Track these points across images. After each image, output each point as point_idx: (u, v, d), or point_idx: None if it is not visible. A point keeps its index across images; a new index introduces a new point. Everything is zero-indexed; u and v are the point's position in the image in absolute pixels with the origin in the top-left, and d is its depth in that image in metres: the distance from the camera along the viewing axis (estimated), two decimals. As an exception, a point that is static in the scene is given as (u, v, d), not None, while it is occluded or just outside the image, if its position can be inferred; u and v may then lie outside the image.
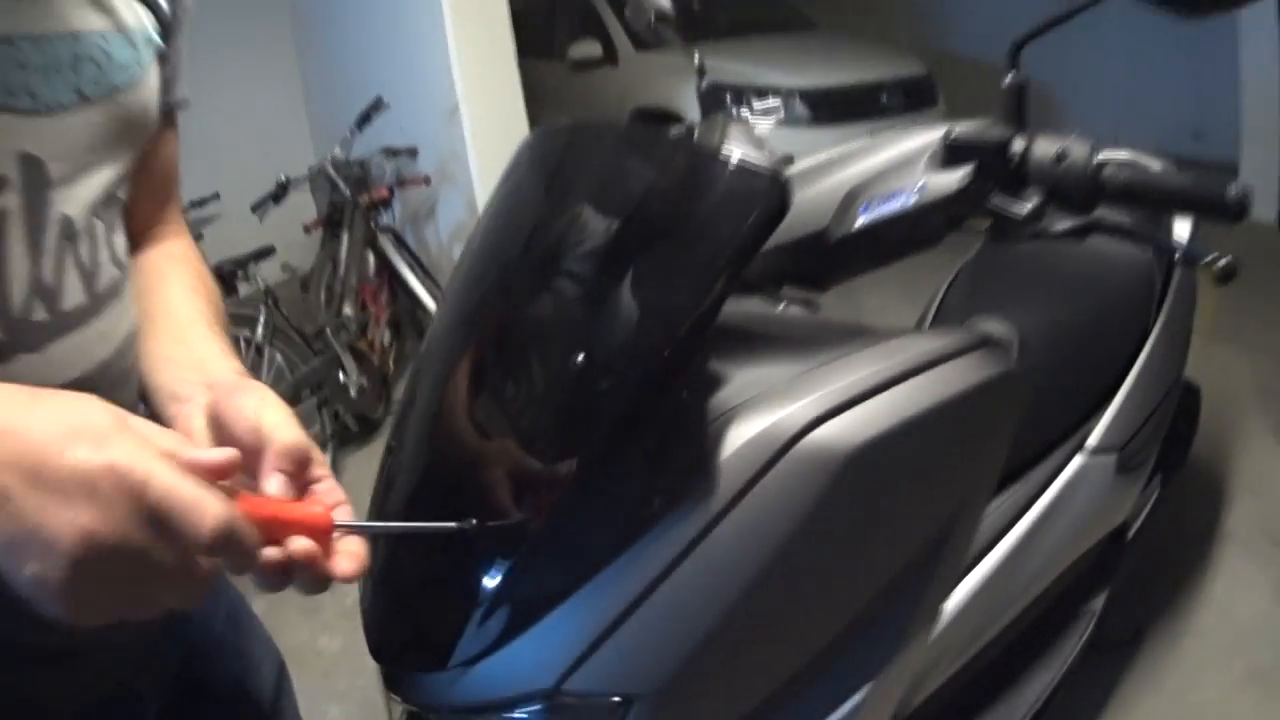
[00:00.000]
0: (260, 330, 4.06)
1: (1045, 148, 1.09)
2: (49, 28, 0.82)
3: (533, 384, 1.05)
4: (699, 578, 0.94)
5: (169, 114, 1.06)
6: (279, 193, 4.60)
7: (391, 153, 5.17)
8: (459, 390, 1.07)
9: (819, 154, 1.27)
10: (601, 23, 7.28)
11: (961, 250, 2.44)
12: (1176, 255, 1.09)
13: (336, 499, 0.76)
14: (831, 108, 6.02)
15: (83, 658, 0.98)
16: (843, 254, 1.19)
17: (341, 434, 4.21)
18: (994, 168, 1.09)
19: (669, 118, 6.27)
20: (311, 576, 0.70)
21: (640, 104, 6.52)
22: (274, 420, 0.76)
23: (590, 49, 7.23)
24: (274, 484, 0.72)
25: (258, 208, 4.53)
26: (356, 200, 4.66)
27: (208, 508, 0.61)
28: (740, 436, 0.96)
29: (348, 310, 4.45)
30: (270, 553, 0.67)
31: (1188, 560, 2.82)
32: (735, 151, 1.02)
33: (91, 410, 0.63)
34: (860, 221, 1.15)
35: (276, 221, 4.63)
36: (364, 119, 4.83)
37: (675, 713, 0.95)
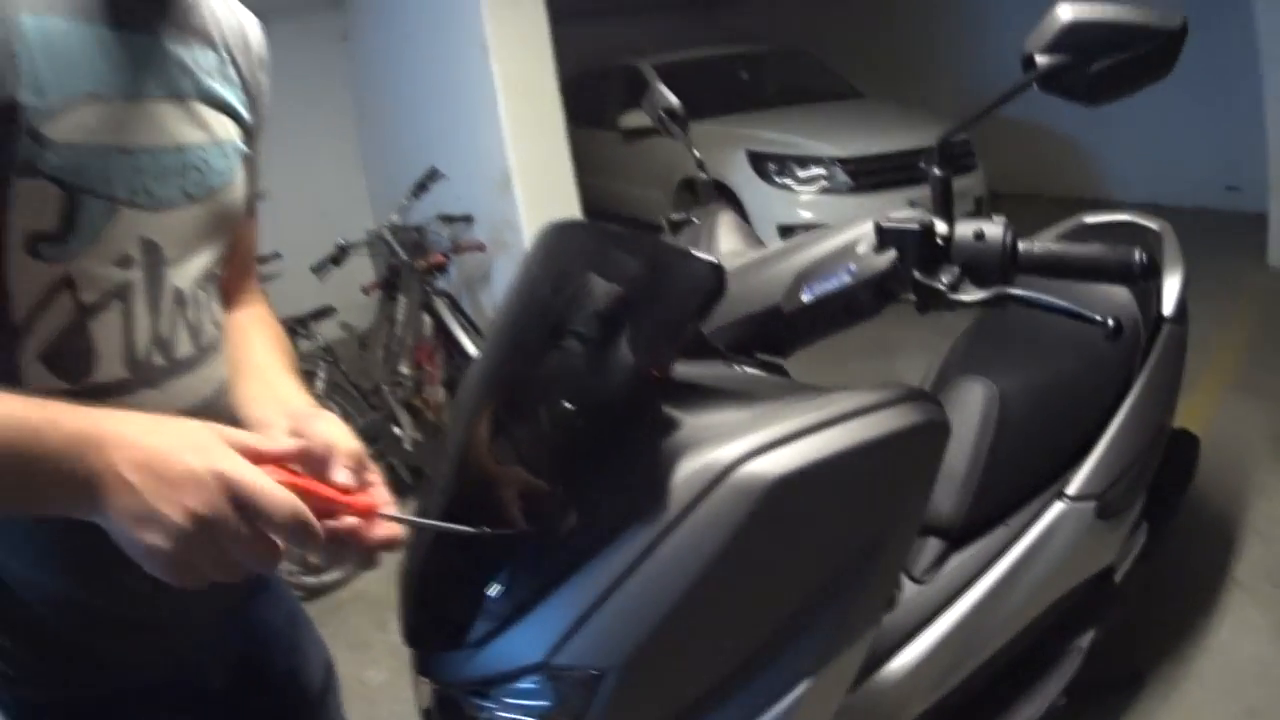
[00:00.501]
0: (320, 384, 4.31)
1: (965, 229, 1.29)
2: (160, 142, 1.06)
3: (535, 426, 1.30)
4: (651, 579, 1.18)
5: (249, 204, 1.30)
6: (338, 255, 4.81)
7: (447, 219, 5.38)
8: (478, 430, 1.33)
9: (776, 245, 1.49)
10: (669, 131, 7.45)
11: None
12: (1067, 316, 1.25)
13: (385, 498, 0.99)
14: (871, 175, 6.21)
15: (161, 632, 1.23)
16: (794, 324, 1.40)
17: (397, 485, 4.38)
18: (916, 249, 1.28)
19: (717, 186, 6.43)
20: (359, 550, 0.94)
21: (689, 174, 6.71)
22: (339, 435, 1.01)
23: (641, 119, 7.31)
24: (341, 475, 0.96)
25: (318, 269, 4.74)
26: (413, 265, 4.81)
27: (281, 497, 0.84)
28: (687, 468, 1.20)
29: (404, 369, 4.65)
30: (326, 526, 0.89)
31: (1190, 604, 2.92)
32: (688, 246, 1.25)
33: (200, 429, 0.87)
34: (805, 298, 1.35)
35: (335, 282, 4.84)
36: (420, 187, 5.03)
37: (638, 683, 1.19)
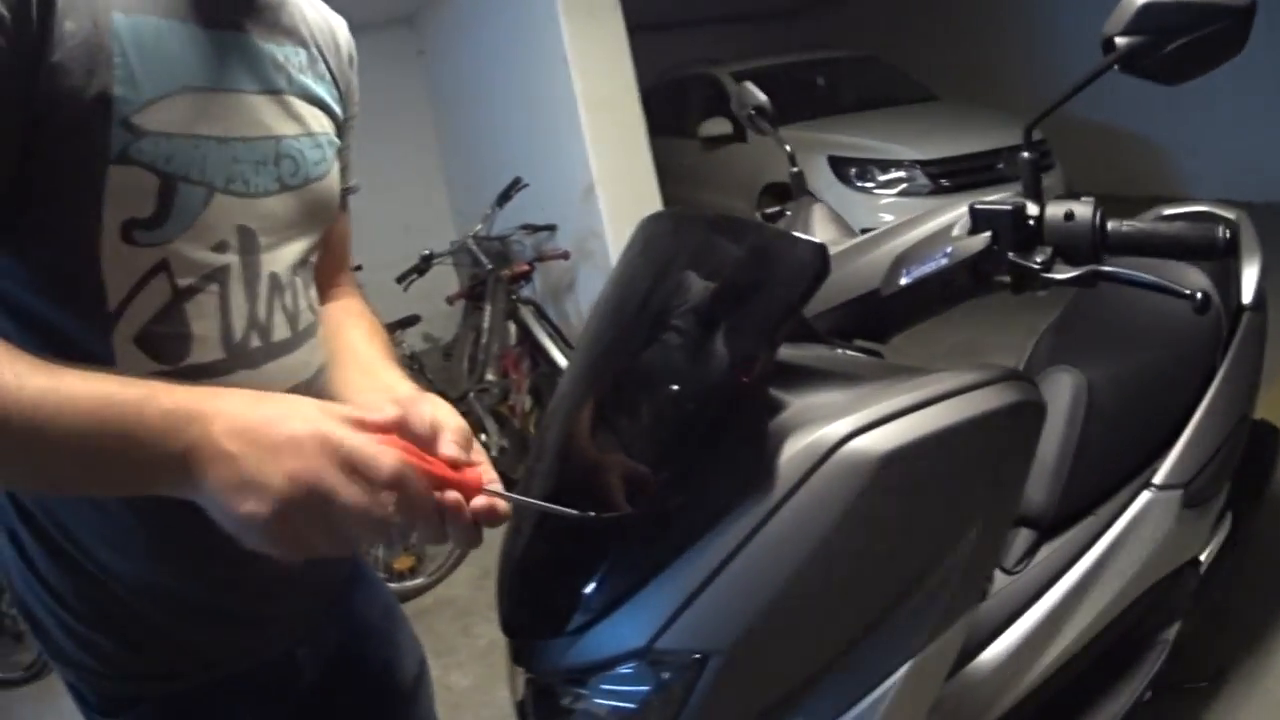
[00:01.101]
0: None
1: (1055, 210, 1.32)
2: (255, 133, 1.09)
3: (639, 412, 1.36)
4: (759, 560, 1.20)
5: (343, 197, 1.35)
6: (423, 265, 4.93)
7: (531, 229, 5.48)
8: (584, 416, 1.38)
9: (876, 230, 1.53)
10: (729, 101, 7.51)
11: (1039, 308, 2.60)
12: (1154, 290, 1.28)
13: (490, 476, 0.96)
14: (950, 177, 6.24)
15: (256, 623, 1.24)
16: (892, 308, 1.45)
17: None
18: (1010, 231, 1.32)
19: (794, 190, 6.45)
20: (461, 525, 0.91)
21: (770, 179, 6.80)
22: (446, 415, 0.99)
23: (720, 127, 7.53)
24: (450, 448, 0.94)
25: (403, 279, 4.85)
26: (498, 274, 4.90)
27: (385, 456, 0.84)
28: (793, 447, 1.23)
29: (490, 376, 4.71)
30: (450, 497, 0.89)
31: (1273, 600, 2.88)
32: (791, 230, 1.30)
33: (302, 401, 0.88)
34: (903, 280, 1.40)
35: (417, 294, 4.93)
36: (504, 197, 5.13)
37: (743, 666, 1.21)
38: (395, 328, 4.68)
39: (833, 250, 1.51)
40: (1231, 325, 2.38)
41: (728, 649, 1.20)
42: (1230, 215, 2.58)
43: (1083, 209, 1.31)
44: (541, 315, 5.03)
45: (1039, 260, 1.30)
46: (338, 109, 1.26)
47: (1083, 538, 2.01)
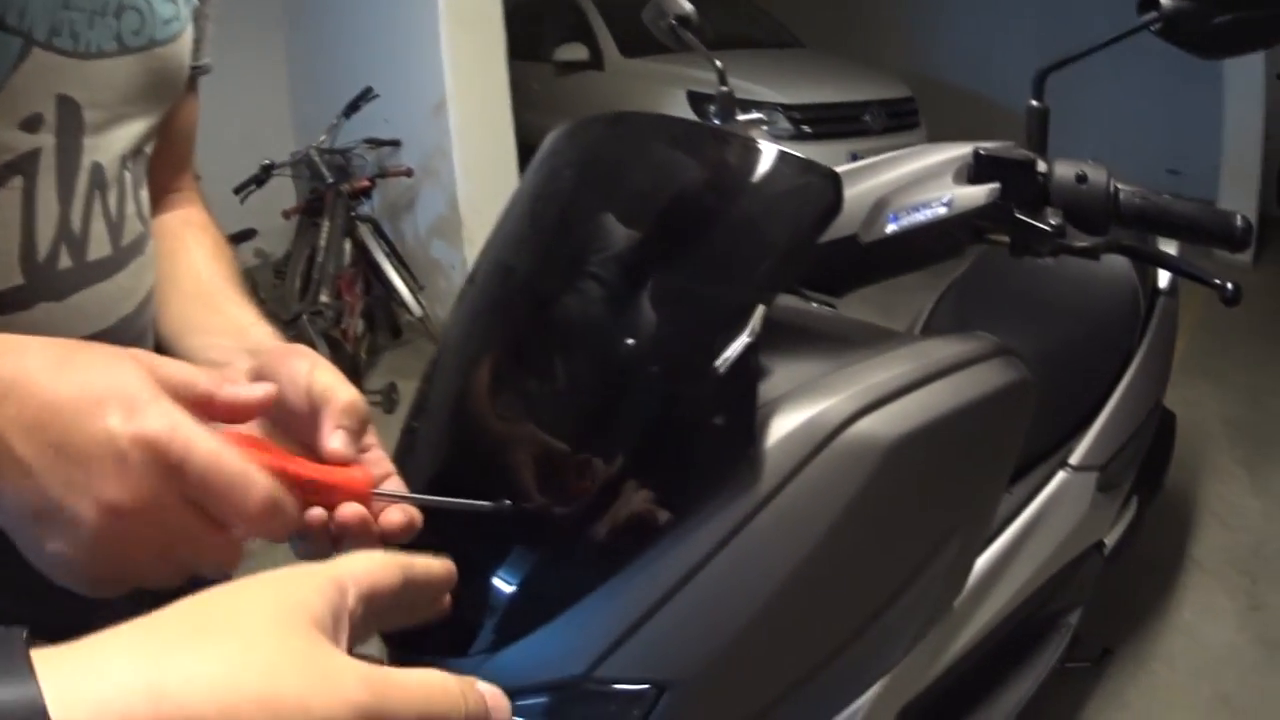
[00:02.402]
0: None
1: (1066, 170, 1.15)
2: None
3: (574, 374, 1.08)
4: (739, 566, 0.96)
5: (193, 79, 1.05)
6: (262, 176, 4.64)
7: (375, 143, 5.20)
8: (493, 376, 1.09)
9: (848, 164, 1.33)
10: (590, 27, 7.32)
11: (943, 271, 2.51)
12: (1186, 276, 1.16)
13: (384, 470, 0.73)
14: (815, 124, 6.10)
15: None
16: (870, 260, 1.25)
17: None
18: (1018, 185, 1.15)
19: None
20: (361, 542, 0.68)
21: (624, 107, 6.54)
22: (330, 381, 0.72)
23: (577, 52, 7.28)
24: (337, 440, 0.68)
25: (240, 190, 4.55)
26: (338, 189, 4.67)
27: (253, 484, 0.57)
28: (783, 428, 1.00)
29: (324, 298, 4.44)
30: (315, 514, 0.65)
31: (1157, 585, 2.89)
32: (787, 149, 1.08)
33: (125, 372, 0.58)
34: (890, 228, 1.20)
35: (254, 206, 4.64)
36: (353, 107, 4.90)
37: (707, 699, 0.98)
38: (230, 242, 4.28)
39: None
40: (1149, 308, 2.30)
41: (691, 679, 0.96)
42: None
43: (1096, 172, 1.15)
44: (380, 234, 4.85)
45: (1053, 223, 1.13)
46: None
47: (1000, 514, 1.88)
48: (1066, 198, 1.15)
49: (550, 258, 1.17)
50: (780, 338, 1.13)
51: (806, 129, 6.08)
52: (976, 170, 1.17)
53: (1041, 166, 1.16)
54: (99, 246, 0.85)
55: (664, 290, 1.04)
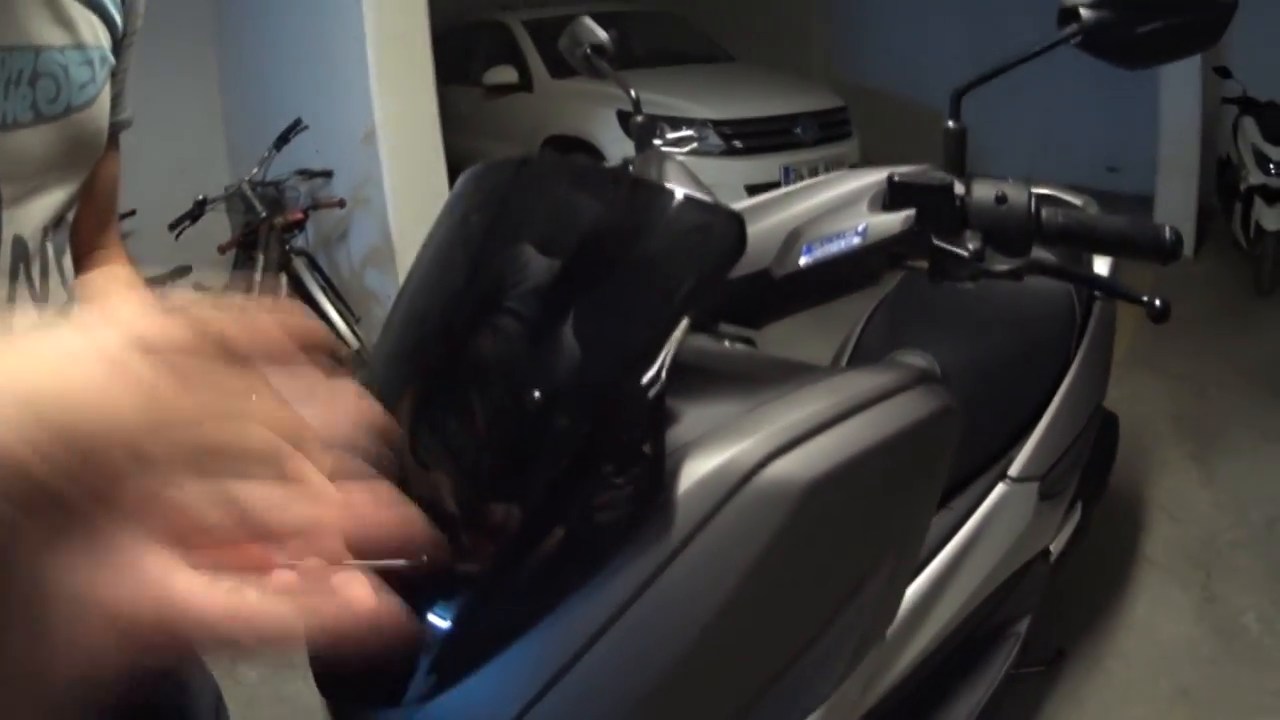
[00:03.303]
0: None
1: (985, 191, 1.12)
2: (12, 39, 0.78)
3: (486, 420, 1.05)
4: (657, 613, 0.94)
5: (114, 136, 1.04)
6: (196, 211, 4.58)
7: (307, 174, 5.15)
8: (409, 424, 1.06)
9: (760, 195, 1.29)
10: (519, 49, 7.31)
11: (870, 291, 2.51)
12: (1111, 295, 1.14)
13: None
14: (746, 138, 6.07)
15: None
16: (784, 292, 1.21)
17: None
18: (935, 210, 1.12)
19: (582, 146, 6.30)
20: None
21: (554, 131, 6.56)
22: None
23: (506, 75, 7.26)
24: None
25: (175, 226, 4.49)
26: (272, 222, 4.61)
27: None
28: (694, 473, 0.97)
29: (260, 332, 4.34)
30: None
31: (1109, 583, 2.89)
32: (687, 190, 1.05)
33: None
34: (803, 261, 1.17)
35: (190, 241, 4.59)
36: (282, 139, 4.85)
37: None
38: (166, 279, 4.45)
39: None
40: (1084, 315, 2.29)
41: None
42: (1077, 200, 2.50)
43: (1016, 192, 1.12)
44: (314, 266, 4.79)
45: (971, 248, 1.10)
46: (118, 18, 0.95)
47: (937, 532, 1.86)
48: (986, 220, 1.12)
49: (459, 304, 1.14)
50: (692, 380, 1.10)
51: (738, 144, 6.04)
52: (891, 196, 1.14)
53: (959, 189, 1.13)
54: (24, 319, 0.81)
55: (569, 335, 1.02)
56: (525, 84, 7.16)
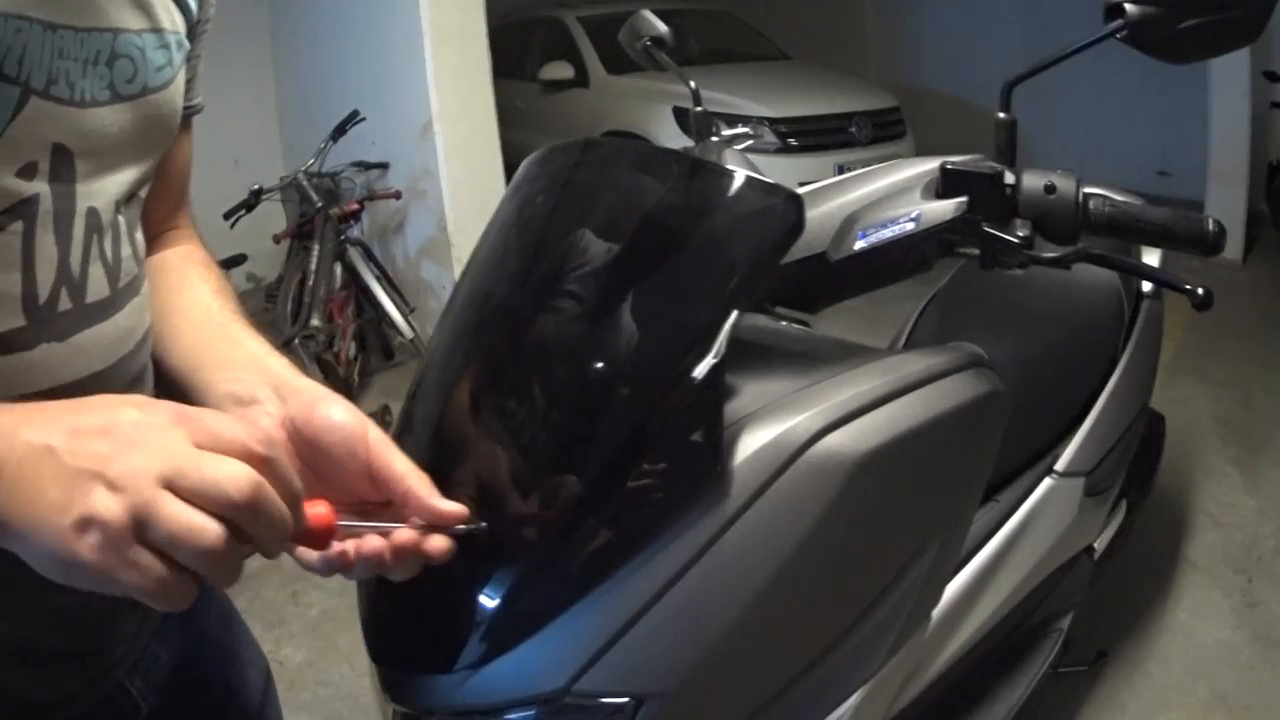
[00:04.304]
0: None
1: (1034, 181, 1.15)
2: (91, 22, 0.81)
3: (548, 395, 1.08)
4: (711, 581, 0.97)
5: (188, 120, 1.06)
6: (252, 201, 4.62)
7: (363, 166, 5.21)
8: (471, 398, 1.10)
9: (817, 183, 1.33)
10: (575, 45, 7.34)
11: (929, 281, 2.52)
12: (1156, 284, 1.16)
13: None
14: (801, 136, 6.08)
15: (78, 659, 0.97)
16: (840, 276, 1.25)
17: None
18: (986, 198, 1.15)
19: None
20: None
21: (610, 127, 6.57)
22: (381, 437, 0.79)
23: (562, 70, 7.28)
24: (450, 505, 0.78)
25: (230, 215, 4.53)
26: (328, 212, 4.65)
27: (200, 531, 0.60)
28: (750, 445, 1.00)
29: (315, 322, 4.38)
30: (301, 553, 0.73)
31: (1151, 586, 2.87)
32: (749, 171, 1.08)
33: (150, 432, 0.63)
34: (858, 245, 1.20)
35: (244, 231, 4.63)
36: (339, 131, 4.88)
37: (685, 711, 0.99)
38: (221, 267, 4.30)
39: None
40: (1133, 312, 2.29)
41: (669, 691, 0.97)
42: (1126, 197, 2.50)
43: (1064, 182, 1.15)
44: (369, 257, 4.83)
45: (1021, 235, 1.13)
46: (193, 4, 0.97)
47: (983, 525, 1.87)
48: (1035, 209, 1.15)
49: (523, 283, 1.18)
50: (749, 357, 1.13)
51: (793, 142, 6.05)
52: (944, 185, 1.18)
53: (1009, 178, 1.16)
54: (97, 289, 0.85)
55: (631, 313, 1.05)
56: (581, 80, 7.18)
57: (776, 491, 0.99)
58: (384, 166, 5.25)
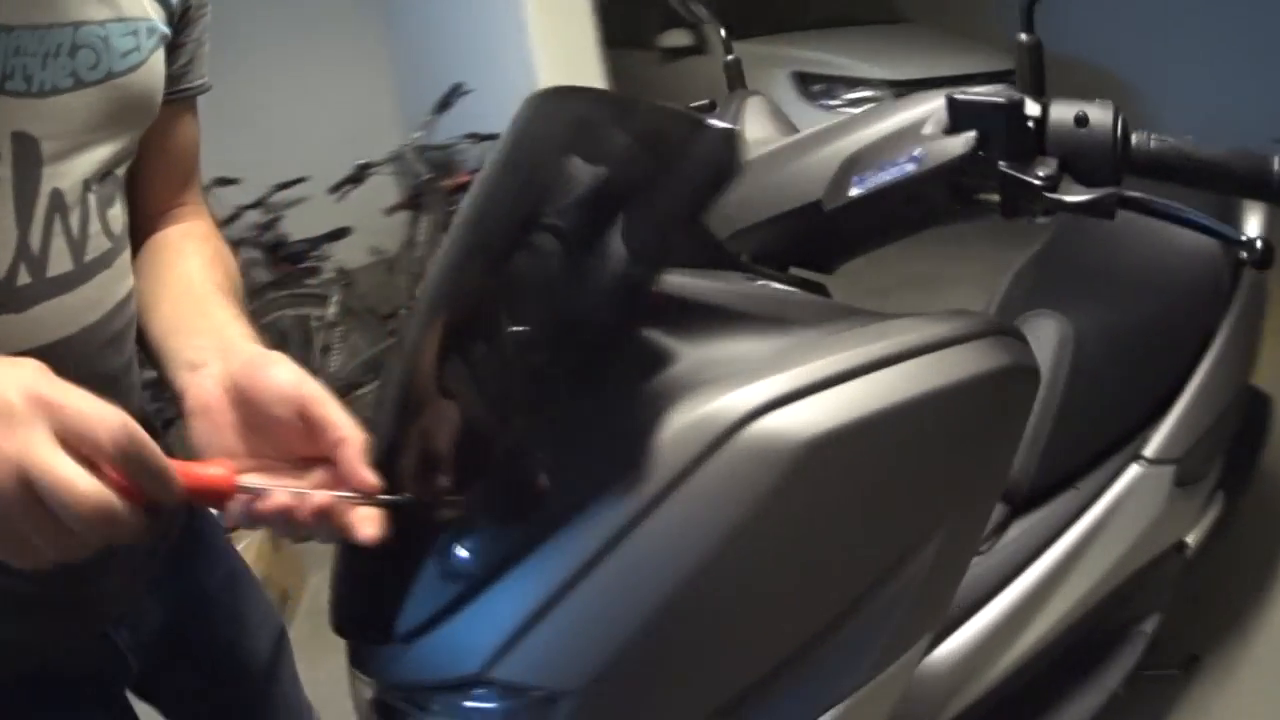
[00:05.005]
0: (332, 310, 4.14)
1: (1063, 112, 0.95)
2: (52, 18, 0.87)
3: (477, 356, 0.97)
4: (628, 569, 0.83)
5: (188, 100, 1.14)
6: (358, 175, 4.63)
7: (477, 138, 5.14)
8: (416, 364, 1.00)
9: (820, 124, 1.13)
10: (693, 12, 7.15)
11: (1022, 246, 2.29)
12: (1201, 231, 0.94)
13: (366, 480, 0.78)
14: (920, 100, 5.78)
15: (59, 609, 1.03)
16: (839, 228, 1.06)
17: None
18: (1003, 133, 0.94)
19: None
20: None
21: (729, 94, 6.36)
22: (329, 405, 0.78)
23: (679, 38, 7.10)
24: (372, 476, 0.76)
25: (336, 189, 4.54)
26: (435, 184, 4.64)
27: (81, 492, 0.63)
28: (678, 422, 0.84)
29: (421, 293, 4.37)
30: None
31: (1249, 585, 2.58)
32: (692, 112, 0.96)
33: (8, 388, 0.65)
34: (853, 192, 1.01)
35: (363, 205, 4.66)
36: (443, 104, 4.90)
37: (605, 711, 0.86)
38: (323, 241, 4.51)
39: (765, 148, 1.13)
40: (1233, 281, 2.02)
41: (581, 689, 0.83)
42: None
43: (1100, 113, 0.94)
44: (481, 228, 4.74)
45: (1041, 174, 0.91)
46: None
47: (1061, 514, 1.67)
48: (1064, 145, 0.94)
49: (480, 237, 1.05)
50: (716, 322, 0.96)
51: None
52: (953, 119, 0.97)
53: (1032, 109, 0.95)
54: (60, 263, 0.91)
55: (552, 272, 0.94)
56: (699, 47, 6.96)
57: (704, 475, 0.83)
58: (497, 138, 5.16)
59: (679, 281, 0.96)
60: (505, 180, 1.07)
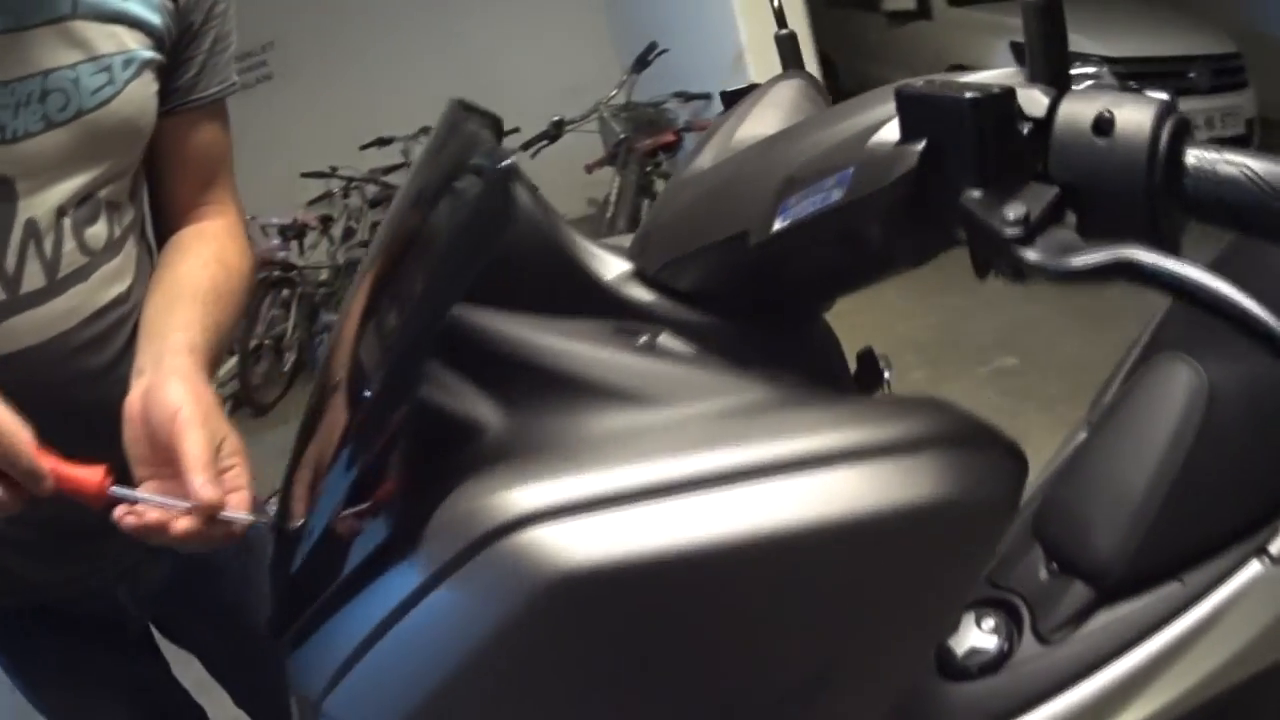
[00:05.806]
0: None
1: (1078, 109, 0.57)
2: (20, 72, 0.93)
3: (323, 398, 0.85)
4: (414, 641, 0.67)
5: (204, 107, 1.15)
6: (553, 132, 4.66)
7: (686, 97, 5.11)
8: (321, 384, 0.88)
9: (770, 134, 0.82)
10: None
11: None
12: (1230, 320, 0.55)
13: (236, 484, 0.86)
14: (1139, 79, 5.20)
15: (66, 558, 1.14)
16: (771, 269, 0.73)
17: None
18: (970, 143, 0.57)
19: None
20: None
21: (953, 61, 6.01)
22: (187, 420, 0.83)
23: (904, 2, 6.83)
24: (207, 491, 0.80)
25: (529, 145, 4.46)
26: (631, 143, 4.63)
27: None
28: (454, 507, 0.64)
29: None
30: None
31: None
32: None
33: None
34: (778, 224, 0.68)
35: (564, 159, 4.61)
36: (641, 63, 5.00)
37: None
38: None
39: (702, 158, 0.82)
40: None
41: None
42: None
43: (1133, 113, 0.55)
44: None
45: (1011, 217, 0.55)
46: (156, 20, 1.04)
47: (1158, 611, 1.30)
48: (1074, 165, 0.56)
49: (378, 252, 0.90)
50: (546, 386, 0.69)
51: (1132, 85, 5.12)
52: (904, 124, 0.61)
53: (1035, 103, 0.58)
54: (33, 281, 1.00)
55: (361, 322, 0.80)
56: (924, 11, 6.71)
57: (456, 582, 0.63)
58: (706, 97, 5.13)
59: (516, 333, 0.72)
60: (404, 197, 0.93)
